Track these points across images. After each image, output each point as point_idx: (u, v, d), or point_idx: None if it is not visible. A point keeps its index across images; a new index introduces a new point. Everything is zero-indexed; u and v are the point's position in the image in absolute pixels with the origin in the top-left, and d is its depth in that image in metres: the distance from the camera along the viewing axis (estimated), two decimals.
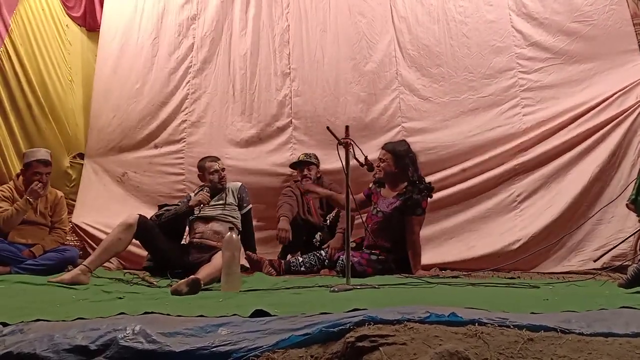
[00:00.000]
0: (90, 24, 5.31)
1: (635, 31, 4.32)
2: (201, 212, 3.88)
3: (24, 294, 2.82)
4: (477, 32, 4.70)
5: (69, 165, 4.97)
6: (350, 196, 3.19)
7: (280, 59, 5.00)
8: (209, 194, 3.88)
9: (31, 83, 4.62)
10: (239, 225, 3.98)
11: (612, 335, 1.58)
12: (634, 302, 2.13)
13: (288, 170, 4.76)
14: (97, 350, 1.72)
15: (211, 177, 4.01)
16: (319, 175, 4.47)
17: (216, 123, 4.95)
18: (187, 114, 4.99)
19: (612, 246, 3.80)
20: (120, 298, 2.69)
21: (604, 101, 4.24)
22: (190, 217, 3.91)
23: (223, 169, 4.08)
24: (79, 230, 4.68)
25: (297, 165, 4.49)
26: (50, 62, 4.82)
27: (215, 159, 4.11)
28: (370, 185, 4.09)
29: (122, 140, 5.00)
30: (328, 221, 4.35)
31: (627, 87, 4.20)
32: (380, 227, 3.84)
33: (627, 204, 3.39)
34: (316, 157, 4.50)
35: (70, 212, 4.64)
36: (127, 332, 1.75)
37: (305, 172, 4.40)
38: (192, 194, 4.09)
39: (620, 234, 3.90)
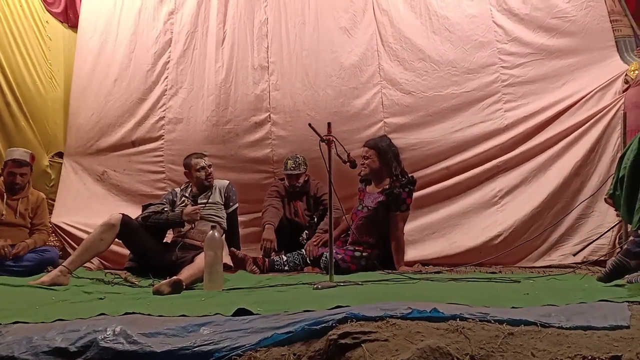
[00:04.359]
0: (72, 20, 5.23)
1: (613, 27, 4.37)
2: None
3: (2, 296, 2.76)
4: (460, 26, 4.68)
5: (48, 164, 4.89)
6: (335, 195, 3.19)
7: (259, 52, 4.88)
8: (200, 207, 3.80)
9: (9, 81, 4.53)
10: (224, 224, 3.95)
11: (590, 329, 1.60)
12: (612, 295, 2.17)
13: (269, 167, 4.73)
14: (77, 352, 1.70)
15: (197, 174, 3.94)
16: (306, 177, 4.40)
17: (193, 119, 4.86)
18: (164, 110, 4.91)
19: (591, 240, 3.85)
20: (101, 299, 2.66)
21: (583, 98, 4.28)
22: None
23: (210, 166, 4.01)
24: (58, 230, 4.61)
25: (288, 175, 4.35)
26: (30, 59, 4.73)
27: (201, 156, 4.04)
28: (359, 186, 4.09)
29: (100, 138, 4.93)
30: (315, 219, 4.32)
31: (605, 82, 4.23)
32: (365, 223, 3.86)
33: (605, 199, 3.43)
34: (304, 162, 4.33)
35: (50, 212, 4.56)
36: (108, 333, 1.72)
37: (295, 182, 4.32)
38: (178, 190, 4.05)
39: (600, 229, 3.95)
